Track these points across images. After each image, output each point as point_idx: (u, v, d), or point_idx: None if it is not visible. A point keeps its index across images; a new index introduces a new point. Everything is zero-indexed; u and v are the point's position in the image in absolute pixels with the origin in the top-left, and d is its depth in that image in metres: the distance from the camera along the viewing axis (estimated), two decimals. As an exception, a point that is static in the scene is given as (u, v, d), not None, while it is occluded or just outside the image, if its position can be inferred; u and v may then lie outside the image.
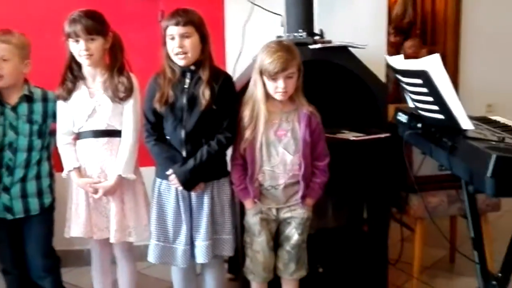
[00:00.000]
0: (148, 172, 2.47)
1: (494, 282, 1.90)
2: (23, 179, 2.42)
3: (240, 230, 2.47)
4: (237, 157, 2.36)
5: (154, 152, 2.36)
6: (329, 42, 2.71)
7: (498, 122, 2.06)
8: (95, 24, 2.30)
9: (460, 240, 3.15)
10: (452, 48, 4.80)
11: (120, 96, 2.36)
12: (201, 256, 2.35)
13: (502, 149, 1.53)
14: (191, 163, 2.28)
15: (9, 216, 2.43)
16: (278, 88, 2.26)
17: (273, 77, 2.25)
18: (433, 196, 2.76)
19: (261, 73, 2.27)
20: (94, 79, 2.40)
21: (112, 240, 2.41)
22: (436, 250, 3.31)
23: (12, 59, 2.36)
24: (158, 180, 2.39)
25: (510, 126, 1.98)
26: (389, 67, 2.21)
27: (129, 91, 2.38)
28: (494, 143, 1.63)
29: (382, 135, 2.54)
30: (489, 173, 1.44)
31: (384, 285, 2.75)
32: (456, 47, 4.79)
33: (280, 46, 2.28)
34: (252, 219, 2.37)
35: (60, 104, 2.42)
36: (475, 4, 4.60)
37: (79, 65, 2.39)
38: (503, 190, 1.45)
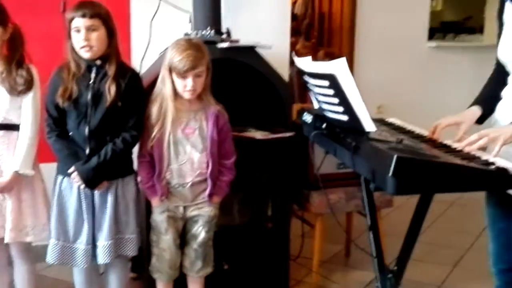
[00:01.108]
0: (49, 168, 2.37)
1: (390, 275, 2.02)
2: None
3: (146, 228, 2.44)
4: (144, 155, 2.33)
5: (56, 148, 2.27)
6: (237, 41, 2.74)
7: (394, 124, 2.20)
8: None
9: (354, 235, 3.32)
10: (347, 50, 5.02)
11: (18, 89, 2.25)
12: (103, 256, 2.29)
13: (401, 150, 1.64)
14: (94, 160, 2.22)
15: None
16: (187, 86, 2.26)
17: (182, 75, 2.24)
18: (332, 193, 2.89)
19: (170, 70, 2.26)
20: (-9, 71, 2.26)
21: (6, 240, 2.29)
22: (332, 245, 3.46)
23: None
24: (60, 177, 2.31)
25: (405, 128, 2.12)
26: (295, 67, 2.29)
27: (28, 84, 2.27)
28: (393, 144, 1.74)
29: (287, 134, 2.61)
30: (390, 172, 1.52)
31: (286, 280, 2.84)
32: (351, 49, 5.02)
33: (190, 44, 2.28)
34: (159, 217, 2.35)
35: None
36: (369, 9, 4.85)
37: (-27, 55, 2.24)
38: (402, 188, 1.54)
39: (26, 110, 2.28)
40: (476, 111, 1.99)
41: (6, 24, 2.23)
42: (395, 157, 1.52)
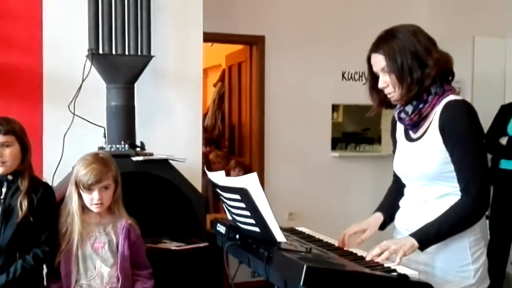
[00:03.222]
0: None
1: None
2: None
3: None
4: (52, 270, 2.28)
5: None
6: (151, 154, 2.82)
7: (304, 233, 2.31)
8: None
9: None
10: (257, 159, 5.20)
11: None
12: None
13: (310, 259, 1.73)
14: (2, 279, 2.15)
15: None
16: (93, 200, 2.28)
17: (88, 188, 2.27)
18: (247, 302, 2.91)
19: (77, 184, 2.28)
20: None
21: None
22: None
23: None
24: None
25: (313, 237, 2.23)
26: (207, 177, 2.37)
27: None
28: (303, 253, 1.83)
29: (201, 245, 2.65)
30: (301, 282, 1.60)
31: None
32: (261, 158, 5.20)
33: (95, 158, 2.33)
34: None
35: None
36: (277, 120, 5.12)
37: None
38: (314, 297, 1.62)
39: None
40: (380, 217, 2.15)
41: None
42: (305, 267, 1.59)
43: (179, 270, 2.73)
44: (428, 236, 1.81)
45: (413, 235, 1.82)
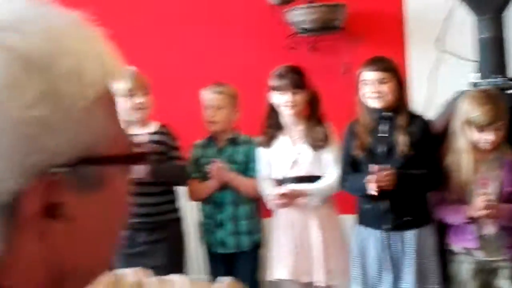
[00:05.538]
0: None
1: None
2: (235, 217, 2.54)
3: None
4: (445, 199, 2.30)
5: (349, 186, 2.36)
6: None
7: None
8: (300, 79, 2.43)
9: None
10: None
11: (319, 144, 2.43)
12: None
13: None
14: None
15: (222, 250, 2.55)
16: (486, 139, 2.21)
17: (481, 129, 2.20)
18: None
19: (466, 123, 2.22)
20: (295, 129, 2.49)
21: (318, 283, 2.41)
22: None
23: (225, 107, 2.56)
24: (360, 227, 2.39)
25: None
26: None
27: (327, 139, 2.45)
28: None
29: None
30: None
31: None
32: None
33: (488, 98, 2.23)
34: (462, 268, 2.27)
35: (261, 151, 2.53)
36: None
37: (278, 115, 2.49)
38: None
39: (328, 163, 2.45)
40: None
41: (308, 87, 2.47)
42: None
43: None
44: None
45: None
